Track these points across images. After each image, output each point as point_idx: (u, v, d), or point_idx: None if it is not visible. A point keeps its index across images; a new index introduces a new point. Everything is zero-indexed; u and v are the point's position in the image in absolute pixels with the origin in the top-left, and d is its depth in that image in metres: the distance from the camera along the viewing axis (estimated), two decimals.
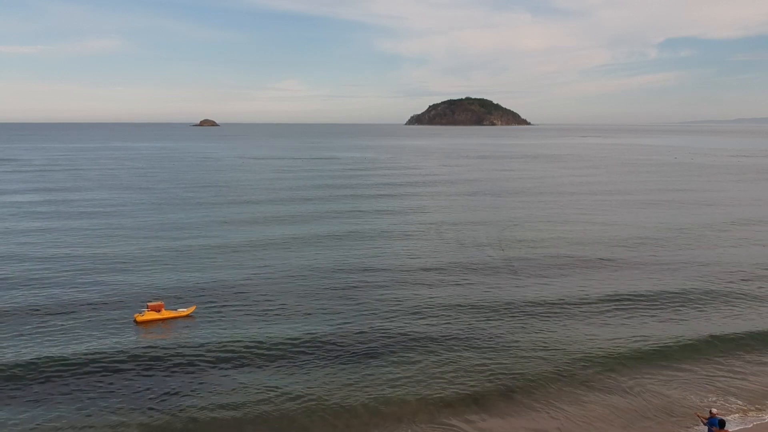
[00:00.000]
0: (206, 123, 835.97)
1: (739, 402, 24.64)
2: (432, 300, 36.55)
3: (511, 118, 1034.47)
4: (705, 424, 21.17)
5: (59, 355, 27.97)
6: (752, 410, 24.05)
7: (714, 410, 21.60)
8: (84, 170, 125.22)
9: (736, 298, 37.40)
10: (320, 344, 29.63)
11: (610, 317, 33.94)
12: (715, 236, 56.77)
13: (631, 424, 23.00)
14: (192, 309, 34.02)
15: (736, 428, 22.57)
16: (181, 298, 36.55)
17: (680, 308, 35.44)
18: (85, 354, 28.11)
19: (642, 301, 36.56)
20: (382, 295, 37.44)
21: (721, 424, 20.63)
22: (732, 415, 23.41)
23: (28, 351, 28.40)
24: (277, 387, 25.09)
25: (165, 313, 32.92)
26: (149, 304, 33.40)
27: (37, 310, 34.20)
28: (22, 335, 30.39)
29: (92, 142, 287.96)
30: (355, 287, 39.14)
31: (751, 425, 23.04)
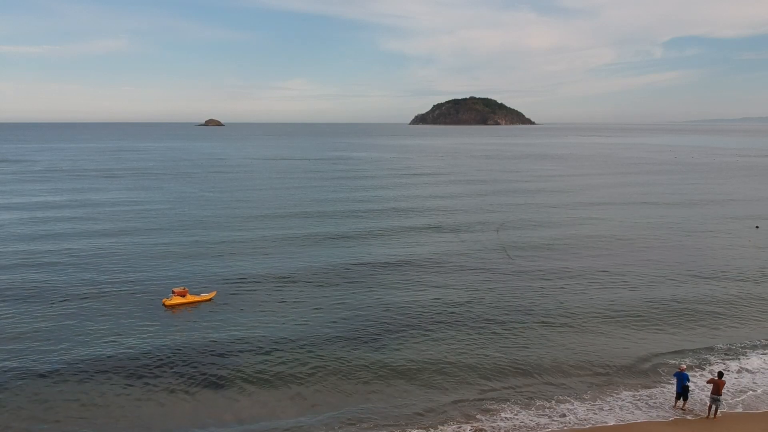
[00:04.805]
0: (211, 123, 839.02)
1: None
2: (439, 292, 39.69)
3: (516, 117, 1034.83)
4: (674, 375, 24.95)
5: (100, 332, 31.31)
6: None
7: (683, 366, 25.25)
8: (102, 169, 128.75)
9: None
10: (329, 325, 32.70)
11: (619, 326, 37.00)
12: (710, 234, 59.68)
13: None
14: (213, 294, 37.23)
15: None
16: (203, 284, 39.83)
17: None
18: (122, 333, 31.42)
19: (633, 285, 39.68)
20: (391, 287, 40.31)
21: (720, 374, 24.04)
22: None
23: (67, 330, 31.71)
24: (290, 363, 28.05)
25: (189, 298, 36.10)
26: (174, 289, 36.64)
27: (76, 294, 37.60)
28: (61, 317, 33.70)
29: (105, 141, 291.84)
30: (367, 278, 42.23)
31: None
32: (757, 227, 61.83)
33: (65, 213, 68.66)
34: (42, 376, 26.50)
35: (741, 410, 24.55)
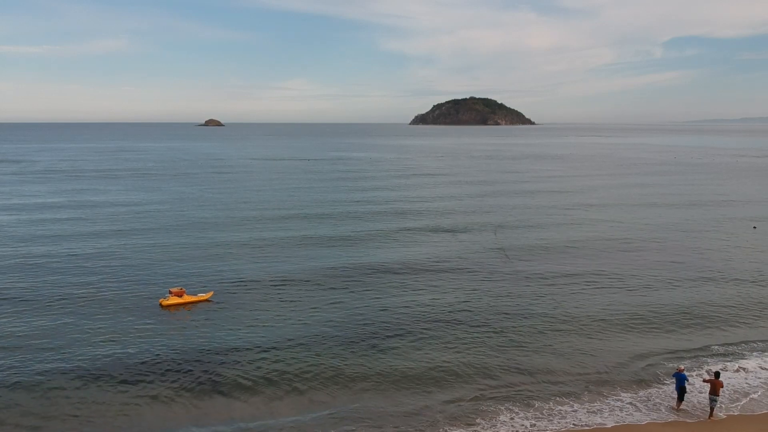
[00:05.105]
0: (211, 123, 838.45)
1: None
2: (437, 293, 39.57)
3: (516, 117, 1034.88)
4: (673, 376, 25.23)
5: (97, 332, 31.19)
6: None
7: (682, 367, 25.21)
8: (102, 169, 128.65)
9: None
10: (327, 325, 32.61)
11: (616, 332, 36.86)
12: (710, 235, 59.58)
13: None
14: (210, 294, 37.16)
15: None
16: (200, 284, 39.74)
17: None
18: (119, 332, 31.31)
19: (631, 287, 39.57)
20: (389, 288, 40.17)
21: (717, 375, 24.41)
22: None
23: (65, 330, 31.61)
24: (287, 362, 27.99)
25: (186, 298, 36.01)
26: (171, 289, 36.54)
27: (74, 294, 37.52)
28: (59, 316, 33.61)
29: (105, 141, 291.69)
30: (365, 278, 42.12)
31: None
32: (754, 228, 61.80)
33: (64, 214, 68.57)
34: (40, 375, 26.40)
35: (739, 412, 24.42)
